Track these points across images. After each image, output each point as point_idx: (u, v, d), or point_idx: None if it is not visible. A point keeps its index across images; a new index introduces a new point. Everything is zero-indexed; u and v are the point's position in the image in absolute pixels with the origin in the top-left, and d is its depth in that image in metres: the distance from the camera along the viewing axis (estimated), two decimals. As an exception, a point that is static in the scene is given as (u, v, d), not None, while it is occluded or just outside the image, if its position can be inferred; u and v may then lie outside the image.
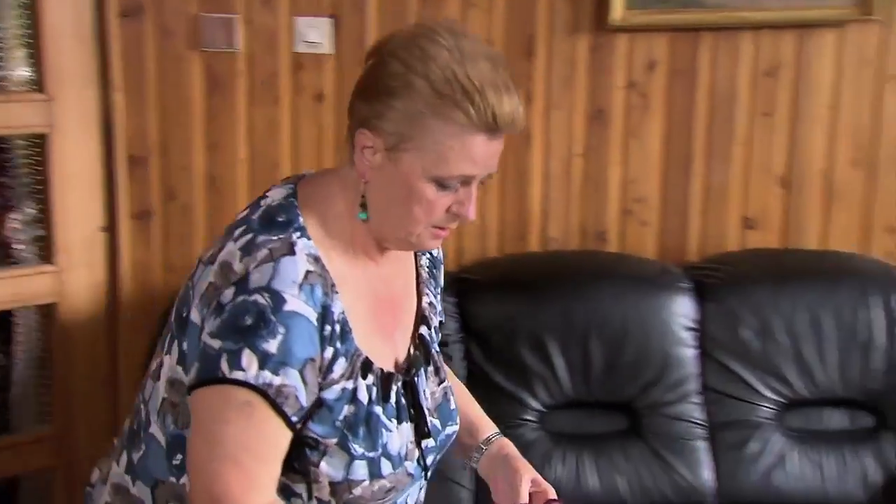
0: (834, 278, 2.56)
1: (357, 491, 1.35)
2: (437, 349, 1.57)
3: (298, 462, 1.34)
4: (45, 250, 2.59)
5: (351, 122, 1.38)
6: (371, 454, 1.36)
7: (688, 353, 2.48)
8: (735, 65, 2.68)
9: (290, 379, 1.26)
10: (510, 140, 2.65)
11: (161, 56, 2.55)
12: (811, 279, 2.56)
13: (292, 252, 1.30)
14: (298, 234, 1.33)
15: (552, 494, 1.56)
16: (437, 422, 1.51)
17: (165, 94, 2.56)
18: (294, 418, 1.28)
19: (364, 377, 1.36)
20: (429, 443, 1.47)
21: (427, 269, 1.59)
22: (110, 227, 2.60)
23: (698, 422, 2.46)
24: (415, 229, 1.37)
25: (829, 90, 2.71)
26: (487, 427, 1.68)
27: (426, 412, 1.48)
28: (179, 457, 1.37)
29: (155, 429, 1.41)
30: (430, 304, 1.57)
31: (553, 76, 2.65)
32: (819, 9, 2.65)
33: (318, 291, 1.30)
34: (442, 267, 1.67)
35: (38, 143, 2.56)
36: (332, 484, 1.34)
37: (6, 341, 2.72)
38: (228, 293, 1.27)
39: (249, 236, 1.32)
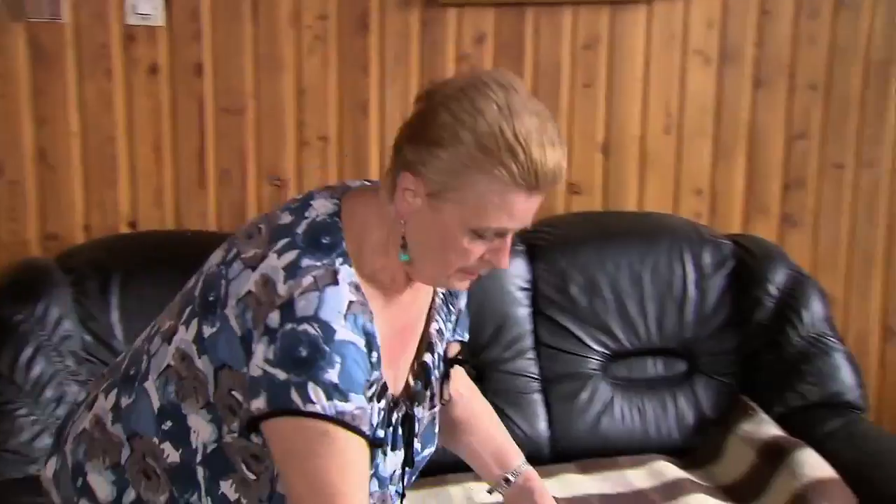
0: (651, 238, 2.70)
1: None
2: (437, 375, 1.53)
3: None
4: None
5: (395, 160, 1.34)
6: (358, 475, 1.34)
7: (522, 311, 2.57)
8: (557, 39, 2.75)
9: (358, 401, 1.28)
10: (350, 112, 2.69)
11: None
12: (631, 239, 2.69)
13: (336, 282, 1.30)
14: (341, 260, 1.33)
15: None
16: (418, 445, 1.50)
17: (-11, 67, 2.42)
18: (370, 434, 1.31)
19: (379, 401, 1.37)
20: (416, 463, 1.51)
21: (442, 295, 1.56)
22: (-65, 207, 2.44)
23: (533, 376, 2.55)
24: (446, 272, 1.36)
25: (641, 63, 2.83)
26: (514, 456, 1.67)
27: (416, 442, 1.48)
28: (169, 423, 1.36)
29: (150, 386, 1.39)
30: (439, 330, 1.53)
31: (387, 50, 2.65)
32: None
33: (361, 320, 1.31)
34: (462, 295, 1.62)
35: None
36: None
37: None
38: (274, 317, 1.26)
39: (294, 255, 1.31)
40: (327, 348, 1.26)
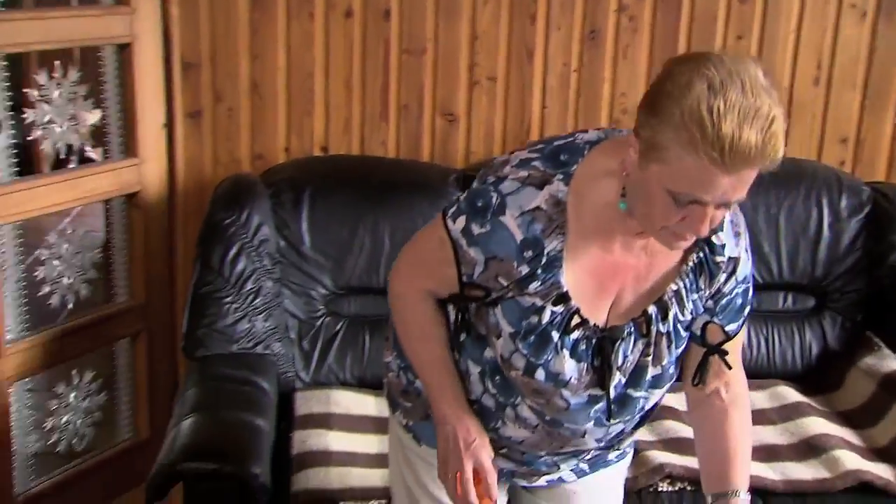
0: (790, 180, 2.65)
1: (513, 374, 1.49)
2: (661, 330, 1.49)
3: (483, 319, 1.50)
4: (128, 146, 2.65)
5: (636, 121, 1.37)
6: (533, 359, 1.45)
7: None
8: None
9: (473, 253, 1.44)
10: (515, 55, 2.72)
11: None
12: (770, 182, 2.58)
13: (541, 187, 1.40)
14: (562, 176, 1.40)
15: None
16: (624, 379, 1.51)
17: (215, 8, 2.60)
18: (463, 277, 1.47)
19: (555, 305, 1.43)
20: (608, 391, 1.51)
21: (693, 263, 1.49)
22: (169, 125, 2.67)
23: None
24: (653, 227, 1.36)
25: (796, 16, 2.76)
26: (729, 481, 1.58)
27: (613, 369, 1.49)
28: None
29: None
30: (676, 292, 1.48)
31: (553, 0, 2.69)
32: None
33: (536, 226, 1.40)
34: (726, 275, 1.51)
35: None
36: (500, 357, 1.49)
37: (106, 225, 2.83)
38: (490, 176, 1.45)
39: (536, 155, 1.44)
40: (488, 217, 1.41)
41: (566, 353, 1.46)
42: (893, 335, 2.55)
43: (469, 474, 1.50)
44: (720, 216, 1.34)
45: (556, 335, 1.45)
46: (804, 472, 2.22)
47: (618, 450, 1.68)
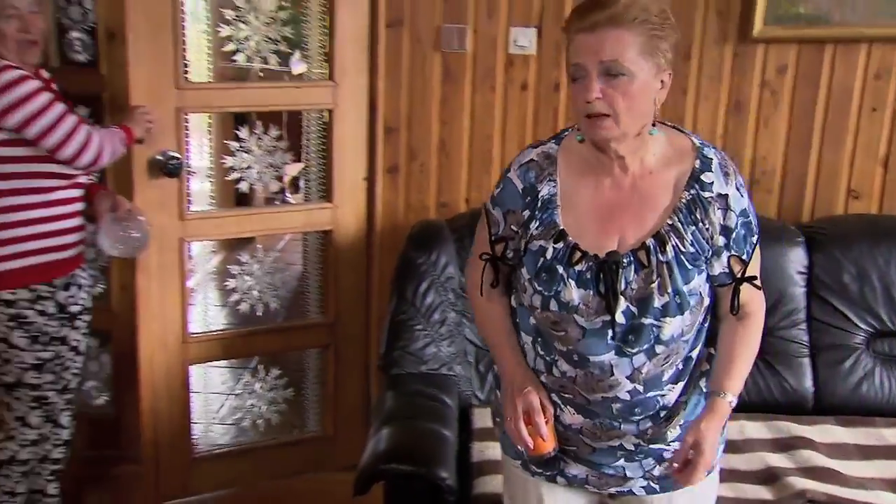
0: None
1: (537, 315, 1.69)
2: (661, 259, 1.60)
3: (518, 284, 1.73)
4: (326, 193, 3.04)
5: None
6: (545, 293, 1.64)
7: (798, 290, 2.73)
8: (851, 70, 2.87)
9: (496, 213, 1.74)
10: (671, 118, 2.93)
11: (412, 55, 2.91)
12: None
13: (536, 147, 1.72)
14: (554, 141, 1.71)
15: (702, 461, 1.60)
16: (634, 308, 1.61)
17: (414, 82, 2.93)
18: (493, 237, 1.75)
19: (556, 242, 1.64)
20: (618, 318, 1.61)
21: (688, 201, 1.62)
22: (369, 178, 3.02)
23: (804, 343, 2.71)
24: (579, 119, 1.59)
25: (928, 91, 2.89)
26: (720, 383, 1.66)
27: (619, 295, 1.60)
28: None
29: None
30: (672, 225, 1.61)
31: (703, 75, 2.91)
32: None
33: (531, 174, 1.69)
34: (722, 211, 1.62)
35: (325, 117, 3.01)
36: (529, 307, 1.70)
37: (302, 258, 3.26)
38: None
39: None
40: (501, 179, 1.73)
41: (572, 282, 1.62)
42: None
43: (519, 413, 1.67)
44: (617, 85, 1.52)
45: (560, 269, 1.62)
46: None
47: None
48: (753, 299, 1.70)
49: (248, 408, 3.20)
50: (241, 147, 2.97)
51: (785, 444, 2.49)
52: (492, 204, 1.73)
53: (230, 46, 2.91)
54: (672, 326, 1.62)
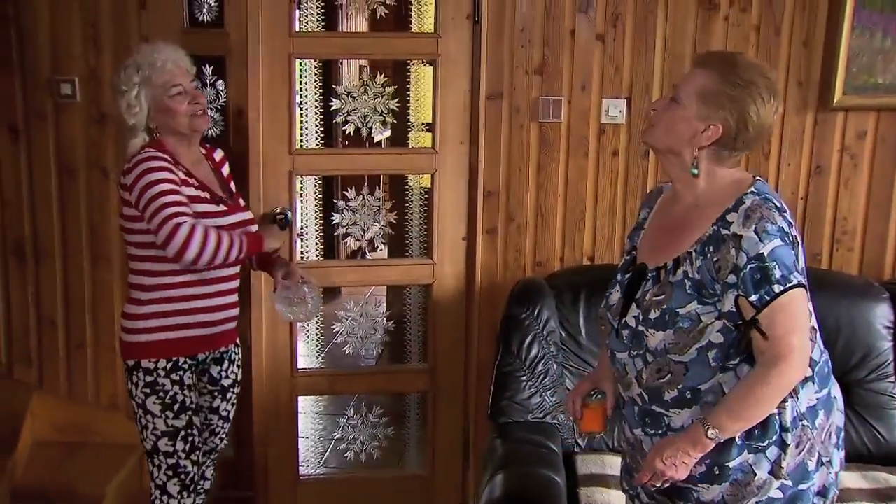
0: None
1: (602, 306, 1.94)
2: (672, 280, 1.74)
3: None
4: (427, 249, 3.19)
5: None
6: (606, 293, 1.93)
7: (885, 344, 2.77)
8: None
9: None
10: None
11: (511, 125, 3.03)
12: None
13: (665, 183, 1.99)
14: (669, 185, 1.94)
15: (646, 470, 1.76)
16: (640, 315, 1.78)
17: (512, 150, 3.05)
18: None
19: (627, 255, 1.95)
20: (627, 320, 1.81)
21: (710, 235, 1.72)
22: (469, 237, 3.13)
23: (893, 396, 2.75)
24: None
25: None
26: (710, 414, 1.69)
27: (633, 301, 1.80)
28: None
29: None
30: (689, 253, 1.73)
31: (785, 141, 3.00)
32: None
33: (644, 202, 2.02)
34: (734, 250, 1.66)
35: (427, 182, 3.16)
36: None
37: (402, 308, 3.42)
38: None
39: None
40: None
41: (617, 287, 1.88)
42: None
43: (569, 396, 2.05)
44: (664, 106, 1.79)
45: (619, 275, 1.90)
46: None
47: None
48: (768, 349, 1.66)
49: (351, 440, 3.35)
50: (346, 206, 3.16)
51: (884, 495, 2.52)
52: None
53: (339, 118, 3.11)
54: (656, 338, 1.74)
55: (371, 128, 3.16)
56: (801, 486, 1.74)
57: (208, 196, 2.41)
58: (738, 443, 1.71)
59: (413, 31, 3.22)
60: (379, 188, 3.24)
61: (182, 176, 2.36)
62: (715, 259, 1.68)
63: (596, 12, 2.97)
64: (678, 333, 1.70)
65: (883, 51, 2.84)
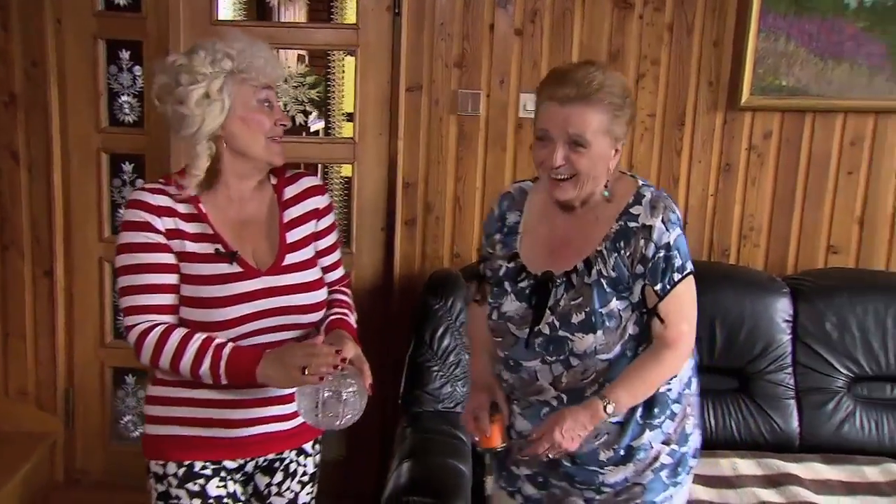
0: (895, 290, 2.83)
1: (491, 317, 1.82)
2: (586, 281, 1.70)
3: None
4: (346, 239, 3.08)
5: None
6: (493, 304, 1.82)
7: (785, 337, 2.78)
8: (829, 136, 2.97)
9: (484, 241, 1.92)
10: (664, 181, 3.01)
11: (430, 117, 2.98)
12: (878, 290, 2.83)
13: (518, 183, 1.91)
14: (532, 180, 1.87)
15: (541, 441, 1.68)
16: (557, 322, 1.72)
17: (431, 142, 2.99)
18: (480, 257, 1.94)
19: (509, 262, 1.81)
20: (541, 328, 1.73)
21: (616, 231, 1.71)
22: (388, 228, 3.07)
23: (790, 387, 2.76)
24: (542, 173, 1.73)
25: (897, 155, 2.99)
26: (609, 390, 1.70)
27: (546, 310, 1.72)
28: None
29: None
30: (599, 251, 1.71)
31: (696, 139, 3.00)
32: (890, 100, 2.91)
33: (504, 203, 1.88)
34: (644, 241, 1.69)
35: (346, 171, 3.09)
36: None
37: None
38: None
39: None
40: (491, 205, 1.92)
41: (512, 296, 1.77)
42: None
43: (469, 409, 1.81)
44: (577, 159, 1.66)
45: (507, 284, 1.78)
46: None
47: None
48: (664, 333, 1.70)
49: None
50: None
51: (775, 481, 2.53)
52: (483, 229, 1.95)
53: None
54: (586, 342, 1.70)
55: (294, 117, 3.08)
56: (683, 449, 1.81)
57: (217, 250, 1.74)
58: (640, 422, 1.75)
59: (335, 21, 3.15)
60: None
61: (179, 226, 1.73)
62: (627, 253, 1.70)
63: (515, 7, 2.92)
64: (607, 333, 1.70)
65: (787, 54, 2.85)
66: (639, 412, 1.75)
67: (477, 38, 2.94)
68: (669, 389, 1.77)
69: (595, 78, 1.65)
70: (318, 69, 3.11)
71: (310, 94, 3.04)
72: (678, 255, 1.70)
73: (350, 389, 1.69)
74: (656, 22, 2.93)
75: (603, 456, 1.76)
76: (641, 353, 1.73)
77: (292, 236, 1.83)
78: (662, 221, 1.69)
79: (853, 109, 2.94)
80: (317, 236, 1.87)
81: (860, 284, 2.87)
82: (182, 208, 1.74)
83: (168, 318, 1.72)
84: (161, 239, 1.71)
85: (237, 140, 1.75)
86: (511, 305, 1.77)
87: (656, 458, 1.77)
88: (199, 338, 1.68)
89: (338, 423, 1.70)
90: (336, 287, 1.95)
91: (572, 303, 1.70)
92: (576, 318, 1.70)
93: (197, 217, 1.75)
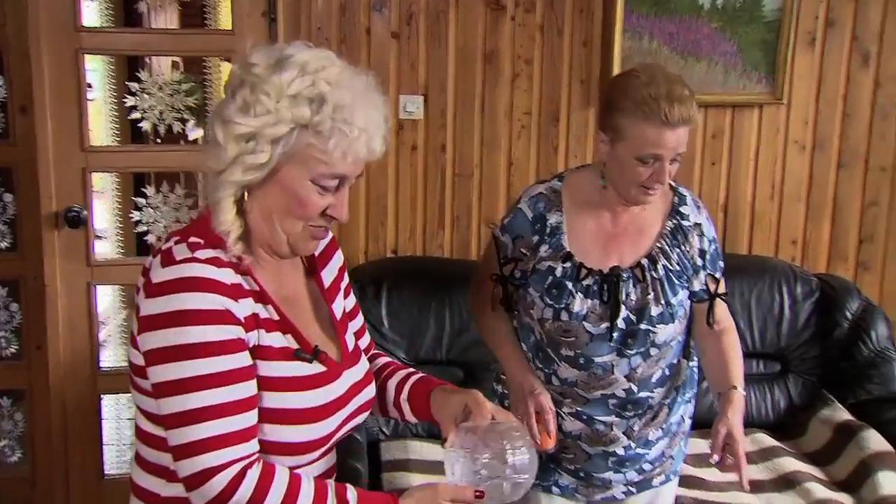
0: (757, 274, 2.93)
1: (547, 327, 1.79)
2: (655, 276, 1.75)
3: (522, 303, 1.83)
4: None
5: (596, 127, 1.87)
6: (557, 306, 1.76)
7: None
8: (692, 130, 3.04)
9: (505, 238, 1.85)
10: (543, 176, 3.02)
11: None
12: (742, 273, 2.90)
13: (542, 184, 1.86)
14: (557, 179, 1.85)
15: (740, 446, 1.65)
16: (633, 316, 1.74)
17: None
18: (502, 259, 1.84)
19: (564, 262, 1.77)
20: (617, 324, 1.74)
21: (672, 228, 1.79)
22: (273, 234, 2.97)
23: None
24: (629, 189, 1.71)
25: (754, 148, 3.10)
26: (728, 380, 1.75)
27: (621, 304, 1.73)
28: None
29: None
30: (661, 248, 1.77)
31: (571, 134, 3.02)
32: (746, 95, 3.01)
33: (540, 205, 1.81)
34: (699, 237, 1.80)
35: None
36: (539, 322, 1.81)
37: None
38: None
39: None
40: (511, 209, 1.86)
41: (580, 295, 1.75)
42: (842, 392, 2.80)
43: (531, 412, 1.72)
44: (674, 169, 1.70)
45: (569, 284, 1.75)
46: (785, 501, 2.43)
47: (661, 475, 1.90)
48: (728, 314, 1.87)
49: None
50: (147, 203, 2.90)
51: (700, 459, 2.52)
52: (500, 231, 1.86)
53: (135, 115, 2.86)
54: (666, 332, 1.76)
55: (171, 125, 2.93)
56: (690, 418, 1.95)
57: (296, 347, 1.27)
58: (679, 400, 1.86)
59: (210, 27, 3.02)
60: (179, 185, 2.99)
61: (255, 310, 1.24)
62: (688, 248, 1.79)
63: (391, 11, 2.87)
64: (679, 322, 1.77)
65: (651, 52, 2.92)
66: (681, 390, 1.86)
67: (354, 42, 2.87)
68: (692, 367, 1.90)
69: (687, 92, 1.66)
70: (194, 76, 2.96)
71: (186, 101, 2.90)
72: (718, 244, 1.87)
73: (518, 448, 1.28)
74: (528, 23, 2.94)
75: (652, 436, 1.84)
76: (721, 337, 1.82)
77: (337, 308, 1.39)
78: (706, 218, 1.84)
79: (712, 104, 3.01)
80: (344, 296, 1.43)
81: (728, 269, 2.93)
82: (245, 284, 1.23)
83: (254, 449, 1.20)
84: (243, 333, 1.21)
85: (266, 207, 1.26)
86: (582, 304, 1.75)
87: (684, 431, 1.91)
88: (309, 484, 1.21)
89: (500, 498, 1.28)
90: (374, 352, 1.55)
91: (647, 297, 1.74)
92: (654, 311, 1.74)
93: (260, 296, 1.25)
